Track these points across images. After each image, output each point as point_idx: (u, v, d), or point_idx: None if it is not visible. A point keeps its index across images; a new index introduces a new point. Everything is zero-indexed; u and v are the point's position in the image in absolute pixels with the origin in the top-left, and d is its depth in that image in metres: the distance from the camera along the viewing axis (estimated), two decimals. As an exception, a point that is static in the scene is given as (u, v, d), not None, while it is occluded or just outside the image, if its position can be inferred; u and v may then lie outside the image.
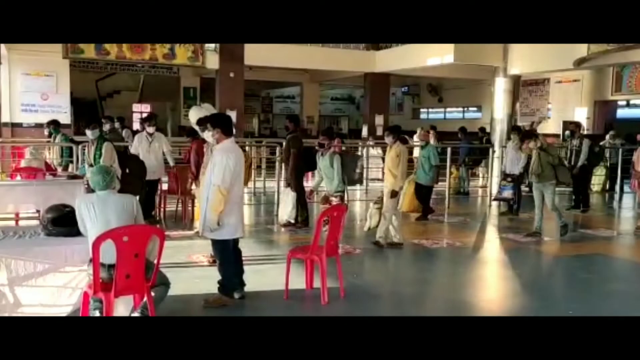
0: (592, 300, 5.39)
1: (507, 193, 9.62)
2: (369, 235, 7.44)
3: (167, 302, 4.20)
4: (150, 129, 8.25)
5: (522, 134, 8.82)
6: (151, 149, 8.11)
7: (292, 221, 8.21)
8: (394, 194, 6.93)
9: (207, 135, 5.55)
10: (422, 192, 9.11)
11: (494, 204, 10.39)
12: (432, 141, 9.67)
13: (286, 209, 8.31)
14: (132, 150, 8.19)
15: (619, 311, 4.96)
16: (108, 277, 3.78)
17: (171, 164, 8.60)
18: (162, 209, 8.71)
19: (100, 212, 3.83)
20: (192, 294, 5.00)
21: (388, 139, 7.12)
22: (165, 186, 9.13)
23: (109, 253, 3.69)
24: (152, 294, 3.91)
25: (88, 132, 6.92)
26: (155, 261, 3.89)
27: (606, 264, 6.98)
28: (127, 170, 6.87)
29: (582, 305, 5.22)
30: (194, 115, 6.75)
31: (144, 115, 22.50)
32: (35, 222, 5.55)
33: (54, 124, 10.16)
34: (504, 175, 9.79)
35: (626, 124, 15.63)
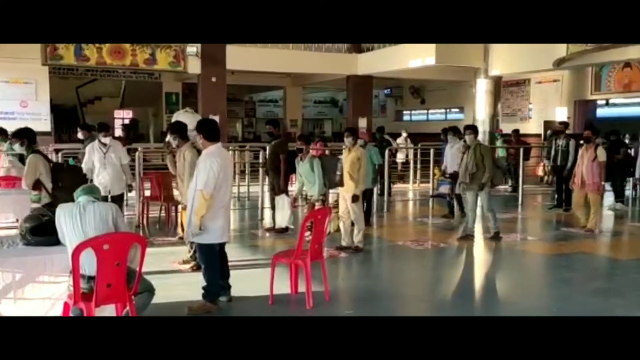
0: (575, 299, 5.42)
1: (444, 188, 9.38)
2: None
3: (150, 310, 4.13)
4: (105, 139, 7.30)
5: (465, 126, 8.40)
6: (107, 161, 7.18)
7: (292, 226, 8.11)
8: (356, 198, 6.84)
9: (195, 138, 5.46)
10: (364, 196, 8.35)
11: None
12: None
13: (284, 214, 8.19)
14: (84, 165, 7.28)
15: (602, 310, 5.01)
16: (89, 288, 3.71)
17: (128, 181, 7.58)
18: (144, 216, 8.62)
19: (78, 221, 3.76)
20: (175, 301, 4.94)
21: (347, 141, 6.93)
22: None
23: (89, 264, 3.63)
24: (135, 302, 3.86)
25: (14, 147, 6.49)
26: (137, 269, 3.84)
27: (588, 261, 7.04)
28: (60, 184, 6.09)
29: (565, 304, 5.25)
30: (183, 119, 6.45)
31: (126, 121, 22.45)
32: (15, 232, 5.45)
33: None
34: (443, 173, 9.63)
35: (606, 122, 15.79)
